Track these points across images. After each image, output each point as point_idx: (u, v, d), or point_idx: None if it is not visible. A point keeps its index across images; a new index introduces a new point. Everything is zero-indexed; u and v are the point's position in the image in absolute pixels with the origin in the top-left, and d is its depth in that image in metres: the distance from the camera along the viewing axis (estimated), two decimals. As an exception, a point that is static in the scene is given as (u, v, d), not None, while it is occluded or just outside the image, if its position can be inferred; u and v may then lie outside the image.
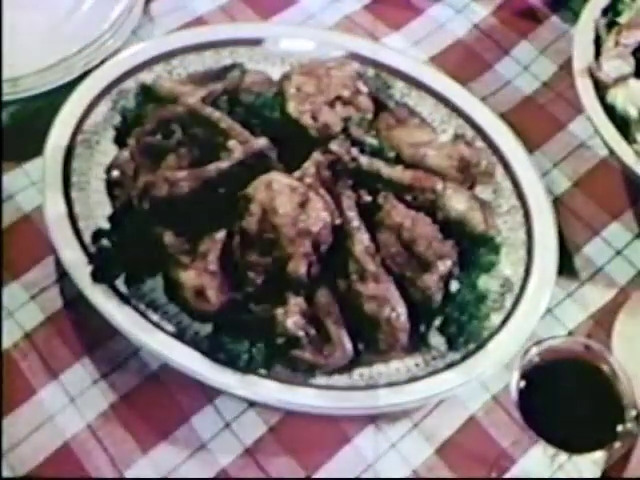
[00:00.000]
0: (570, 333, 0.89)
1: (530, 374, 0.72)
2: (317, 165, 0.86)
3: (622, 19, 1.02)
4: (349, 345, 0.81)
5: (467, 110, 0.99)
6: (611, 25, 1.02)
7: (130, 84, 0.98)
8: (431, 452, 0.83)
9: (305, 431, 0.83)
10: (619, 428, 0.70)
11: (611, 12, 1.02)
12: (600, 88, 0.96)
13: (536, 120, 1.05)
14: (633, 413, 0.71)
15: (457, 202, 0.88)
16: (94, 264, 0.85)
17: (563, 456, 0.78)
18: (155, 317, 0.84)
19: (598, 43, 1.00)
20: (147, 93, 0.97)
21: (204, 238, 0.84)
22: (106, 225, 0.88)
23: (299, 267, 0.81)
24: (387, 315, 0.81)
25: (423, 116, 0.99)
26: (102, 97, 0.97)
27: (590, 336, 0.89)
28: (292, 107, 0.92)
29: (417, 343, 0.84)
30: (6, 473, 0.80)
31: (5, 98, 0.96)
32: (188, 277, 0.82)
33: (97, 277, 0.84)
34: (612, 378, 0.73)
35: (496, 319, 0.86)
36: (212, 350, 0.82)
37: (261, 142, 0.86)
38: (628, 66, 0.98)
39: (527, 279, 0.88)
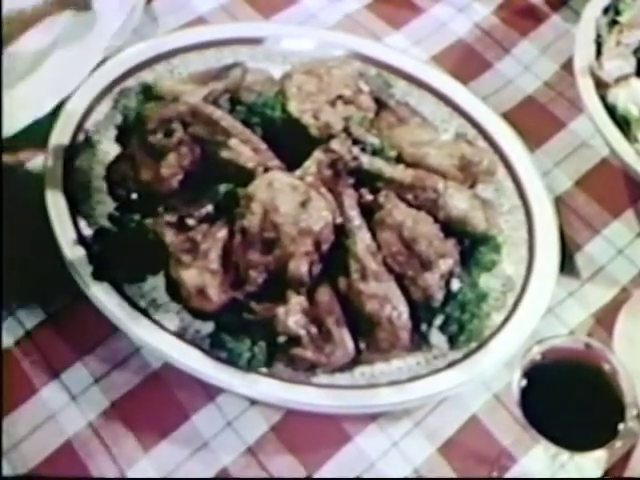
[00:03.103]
0: (571, 332, 0.89)
1: (531, 373, 0.72)
2: (318, 164, 0.86)
3: (623, 18, 1.02)
4: (350, 344, 0.81)
5: (468, 109, 0.99)
6: (612, 24, 1.02)
7: (131, 83, 0.98)
8: (433, 451, 0.83)
9: (306, 430, 0.83)
10: (620, 427, 0.70)
11: (612, 11, 1.02)
12: (601, 87, 0.96)
13: (537, 119, 1.05)
14: (634, 412, 0.71)
15: (458, 201, 0.88)
16: (95, 263, 0.85)
17: (564, 455, 0.78)
18: (156, 316, 0.84)
19: (599, 42, 1.00)
20: (148, 92, 0.97)
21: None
22: (107, 224, 0.88)
23: (300, 266, 0.81)
24: (388, 314, 0.81)
25: (424, 115, 0.99)
26: (104, 96, 0.97)
27: (591, 335, 0.89)
28: (293, 106, 0.92)
29: (418, 342, 0.84)
30: (7, 472, 0.80)
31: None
32: (189, 276, 0.82)
33: (98, 276, 0.84)
34: (613, 377, 0.73)
35: (497, 318, 0.86)
36: (213, 349, 0.82)
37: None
38: (629, 65, 0.98)
39: (528, 278, 0.88)
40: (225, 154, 0.87)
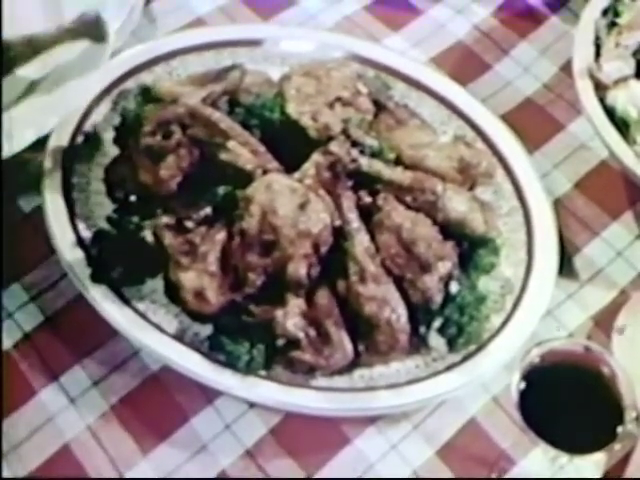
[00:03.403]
0: (570, 334, 0.89)
1: (530, 375, 0.72)
2: (317, 166, 0.86)
3: (622, 20, 1.02)
4: (349, 346, 0.81)
5: (467, 111, 0.99)
6: (611, 26, 1.02)
7: (130, 85, 0.98)
8: (431, 453, 0.83)
9: (305, 432, 0.83)
10: (619, 429, 0.70)
11: (611, 13, 1.02)
12: (600, 89, 0.96)
13: (536, 121, 1.04)
14: (633, 414, 0.71)
15: (457, 203, 0.88)
16: (94, 265, 0.85)
17: (563, 458, 0.77)
18: (155, 318, 0.84)
19: (598, 44, 1.00)
20: (147, 94, 0.97)
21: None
22: (106, 226, 0.88)
23: (299, 268, 0.81)
24: (387, 316, 0.81)
25: (423, 117, 0.99)
26: (102, 98, 0.97)
27: (590, 337, 0.89)
28: (292, 108, 0.92)
29: (417, 344, 0.84)
30: (6, 474, 0.80)
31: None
32: (188, 278, 0.82)
33: (97, 278, 0.84)
34: (612, 379, 0.73)
35: (496, 320, 0.86)
36: (212, 351, 0.82)
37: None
38: (628, 67, 0.98)
39: (527, 280, 0.88)
40: (224, 156, 0.87)
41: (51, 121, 0.87)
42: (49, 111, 0.87)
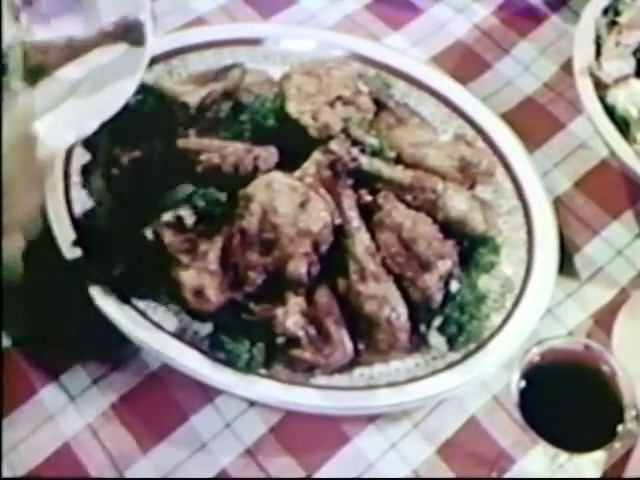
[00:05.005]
0: (570, 333, 0.89)
1: (530, 374, 0.72)
2: (317, 165, 0.86)
3: (622, 19, 1.02)
4: (349, 345, 0.81)
5: (467, 110, 0.99)
6: (612, 25, 1.02)
7: (131, 84, 0.98)
8: (431, 452, 0.82)
9: (305, 431, 0.83)
10: (619, 428, 0.70)
11: (612, 12, 1.02)
12: (600, 88, 0.96)
13: (536, 120, 1.05)
14: (633, 413, 0.71)
15: (458, 202, 0.88)
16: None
17: (563, 456, 0.78)
18: (155, 317, 0.84)
19: (599, 43, 1.00)
20: (148, 93, 0.97)
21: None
22: (106, 224, 0.88)
23: (299, 267, 0.81)
24: (387, 315, 0.81)
25: (423, 116, 0.99)
26: (103, 97, 0.97)
27: (590, 336, 0.89)
28: (292, 107, 0.92)
29: (417, 343, 0.84)
30: (6, 473, 0.80)
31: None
32: (188, 277, 0.82)
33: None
34: (612, 378, 0.73)
35: (496, 319, 0.86)
36: (212, 350, 0.82)
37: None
38: (628, 66, 0.98)
39: (527, 279, 0.88)
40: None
41: (92, 124, 0.87)
42: (90, 114, 0.87)
